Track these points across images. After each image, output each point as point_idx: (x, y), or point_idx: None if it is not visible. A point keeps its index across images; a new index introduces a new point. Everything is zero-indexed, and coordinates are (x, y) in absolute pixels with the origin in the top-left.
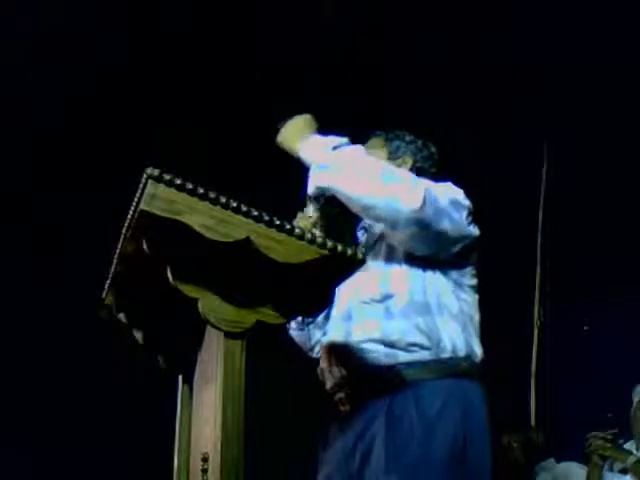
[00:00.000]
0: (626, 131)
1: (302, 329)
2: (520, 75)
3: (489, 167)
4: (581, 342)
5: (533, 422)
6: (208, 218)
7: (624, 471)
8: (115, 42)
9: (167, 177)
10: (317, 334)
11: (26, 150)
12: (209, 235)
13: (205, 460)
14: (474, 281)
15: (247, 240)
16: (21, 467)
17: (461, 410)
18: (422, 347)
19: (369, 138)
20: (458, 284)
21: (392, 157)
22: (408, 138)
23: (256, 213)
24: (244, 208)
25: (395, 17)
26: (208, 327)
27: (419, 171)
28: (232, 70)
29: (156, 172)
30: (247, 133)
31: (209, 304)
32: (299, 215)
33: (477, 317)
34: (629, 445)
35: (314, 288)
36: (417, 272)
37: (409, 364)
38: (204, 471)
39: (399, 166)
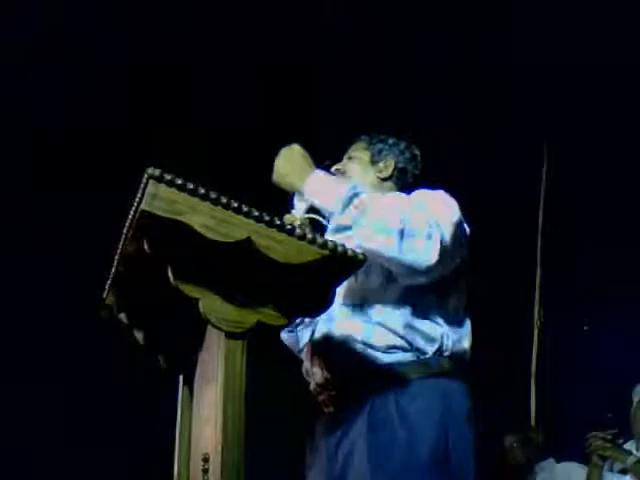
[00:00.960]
0: (626, 131)
1: (291, 331)
2: (520, 75)
3: (489, 167)
4: (581, 342)
5: (533, 422)
6: (209, 218)
7: (624, 471)
8: (115, 42)
9: (168, 177)
10: (306, 336)
11: (26, 150)
12: (210, 235)
13: (205, 460)
14: (461, 281)
15: (248, 240)
16: (21, 467)
17: (442, 410)
18: (402, 349)
19: (354, 142)
20: (442, 285)
21: (375, 160)
22: (391, 141)
23: (257, 213)
24: (245, 208)
25: (395, 17)
26: (209, 327)
27: (402, 172)
28: (232, 70)
29: (157, 172)
30: (247, 133)
31: (210, 304)
32: (286, 216)
33: (463, 316)
34: (629, 445)
35: (315, 288)
36: None
37: (390, 365)
38: (205, 471)
39: (381, 169)
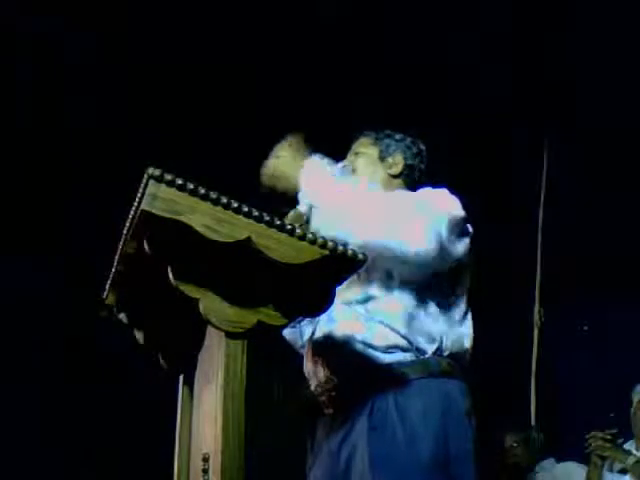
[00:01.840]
0: (627, 131)
1: (293, 326)
2: (521, 75)
3: (489, 167)
4: (581, 342)
5: (533, 422)
6: (209, 218)
7: (624, 471)
8: (115, 42)
9: (168, 177)
10: (307, 332)
11: (26, 150)
12: (210, 235)
13: (206, 460)
14: (461, 281)
15: (248, 240)
16: (21, 467)
17: (442, 410)
18: (402, 349)
19: (357, 137)
20: (443, 285)
21: (383, 156)
22: (398, 136)
23: (257, 213)
24: (245, 208)
25: (395, 16)
26: (209, 327)
27: (410, 168)
28: (232, 70)
29: (157, 172)
30: (248, 133)
31: (210, 304)
32: (291, 213)
33: (464, 316)
34: (629, 445)
35: (315, 288)
36: None
37: (390, 365)
38: (205, 471)
39: (391, 165)
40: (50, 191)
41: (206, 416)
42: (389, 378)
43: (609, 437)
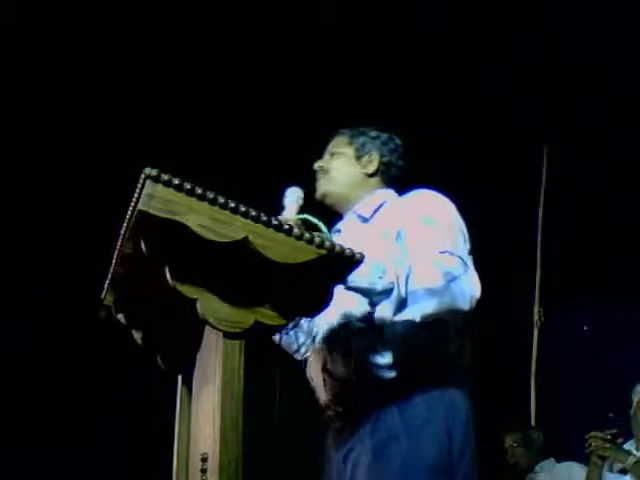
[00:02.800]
0: (626, 131)
1: (287, 332)
2: (521, 75)
3: (489, 167)
4: (581, 342)
5: (533, 422)
6: (206, 218)
7: (624, 471)
8: (114, 41)
9: (165, 177)
10: (301, 337)
11: (26, 149)
12: (207, 235)
13: (204, 460)
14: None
15: (245, 240)
16: (20, 467)
17: (445, 419)
18: (404, 361)
19: (333, 137)
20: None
21: (359, 154)
22: (373, 134)
23: (254, 213)
24: (242, 208)
25: (395, 16)
26: (207, 327)
27: (387, 165)
28: (231, 70)
29: (154, 172)
30: (247, 133)
31: (208, 304)
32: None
33: (464, 324)
34: (629, 445)
35: (313, 288)
36: None
37: (393, 377)
38: (203, 471)
39: (367, 163)
40: (49, 191)
41: (204, 416)
42: (392, 390)
43: (609, 437)
